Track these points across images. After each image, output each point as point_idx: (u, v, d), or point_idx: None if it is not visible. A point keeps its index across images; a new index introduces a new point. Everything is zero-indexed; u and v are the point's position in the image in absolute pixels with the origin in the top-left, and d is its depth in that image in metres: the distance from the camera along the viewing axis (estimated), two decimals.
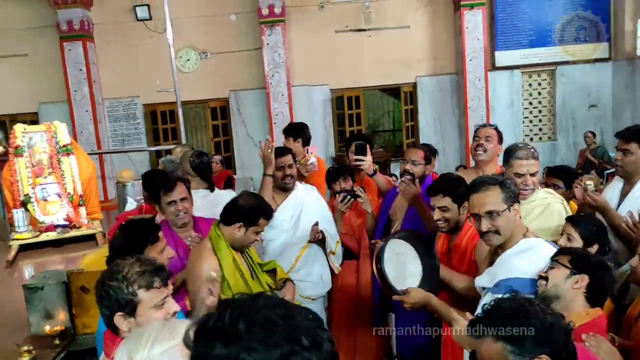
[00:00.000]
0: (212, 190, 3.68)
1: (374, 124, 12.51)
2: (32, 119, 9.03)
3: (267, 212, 2.56)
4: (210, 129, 9.92)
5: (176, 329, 1.39)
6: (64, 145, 5.89)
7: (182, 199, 2.93)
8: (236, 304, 0.89)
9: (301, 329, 0.86)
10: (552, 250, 2.08)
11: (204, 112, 9.92)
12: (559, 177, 3.65)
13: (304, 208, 3.38)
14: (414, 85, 9.81)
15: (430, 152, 3.51)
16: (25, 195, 5.66)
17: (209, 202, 3.48)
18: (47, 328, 3.34)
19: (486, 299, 2.04)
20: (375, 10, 9.39)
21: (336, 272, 3.42)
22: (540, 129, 10.11)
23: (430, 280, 2.44)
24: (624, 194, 2.82)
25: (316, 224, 3.27)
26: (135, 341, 1.34)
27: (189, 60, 9.55)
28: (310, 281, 3.33)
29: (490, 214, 2.09)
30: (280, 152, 3.40)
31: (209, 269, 2.49)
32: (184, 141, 7.55)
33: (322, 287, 3.36)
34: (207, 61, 9.58)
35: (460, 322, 1.95)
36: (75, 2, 8.85)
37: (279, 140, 9.39)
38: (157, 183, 3.14)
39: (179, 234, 2.98)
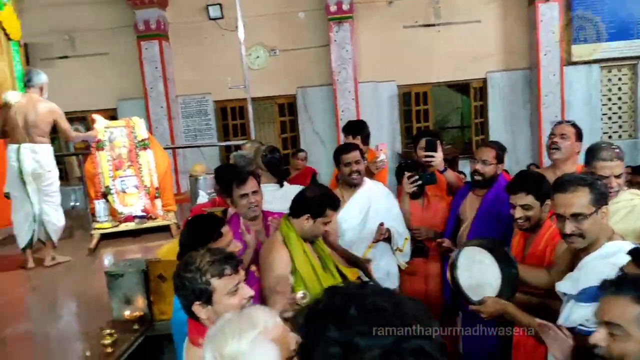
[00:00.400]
0: (282, 185, 3.77)
1: (441, 121, 12.30)
2: (111, 115, 9.51)
3: (333, 203, 2.60)
4: (277, 125, 10.09)
5: (254, 317, 1.45)
6: (142, 140, 6.18)
7: (254, 192, 3.02)
8: (344, 290, 0.91)
9: (411, 316, 0.86)
10: None
11: (271, 108, 10.10)
12: None
13: (372, 204, 3.40)
14: (484, 80, 9.56)
15: (501, 149, 3.42)
16: (106, 187, 5.99)
17: (277, 197, 3.57)
18: (127, 313, 3.52)
19: (571, 308, 1.97)
20: (444, 5, 9.23)
21: (402, 269, 3.41)
22: (620, 126, 9.60)
23: (509, 288, 2.36)
24: None
25: (382, 224, 3.26)
26: (220, 338, 1.40)
27: (258, 57, 9.74)
28: (377, 277, 3.34)
29: (575, 216, 2.02)
30: (347, 148, 3.43)
31: (281, 262, 2.56)
32: (253, 137, 7.72)
33: (389, 284, 3.36)
34: (275, 58, 9.75)
35: (550, 328, 1.87)
36: (152, 2, 9.24)
37: (344, 137, 9.46)
38: (229, 177, 3.25)
39: (251, 227, 3.07)
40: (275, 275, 2.53)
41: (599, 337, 1.49)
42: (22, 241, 5.03)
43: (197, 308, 1.84)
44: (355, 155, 3.41)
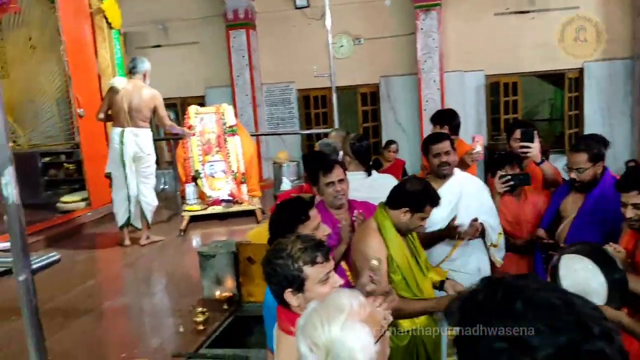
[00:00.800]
0: (369, 174, 3.74)
1: (530, 112, 11.76)
2: (200, 102, 9.84)
3: (433, 199, 2.54)
4: (360, 114, 10.05)
5: (338, 301, 1.44)
6: (230, 126, 6.37)
7: (340, 181, 3.00)
8: (507, 282, 0.85)
9: (587, 315, 0.80)
10: None
11: (354, 97, 10.06)
12: None
13: (463, 197, 3.27)
14: (580, 70, 9.02)
15: (598, 147, 3.17)
16: (195, 171, 6.23)
17: (365, 185, 3.54)
18: (217, 293, 3.65)
19: None
20: None
21: (497, 265, 3.29)
22: None
23: (618, 295, 2.21)
24: None
25: (475, 219, 3.14)
26: (310, 328, 1.39)
27: (342, 46, 9.72)
28: (466, 272, 3.22)
29: None
30: (438, 138, 3.32)
31: (374, 248, 2.54)
32: (336, 125, 7.74)
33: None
34: (360, 47, 9.69)
35: None
36: None
37: (429, 127, 9.27)
38: (315, 164, 3.26)
39: (335, 215, 3.06)
40: (365, 264, 2.52)
41: None
42: (120, 220, 5.34)
43: (289, 295, 1.83)
44: (445, 145, 3.29)
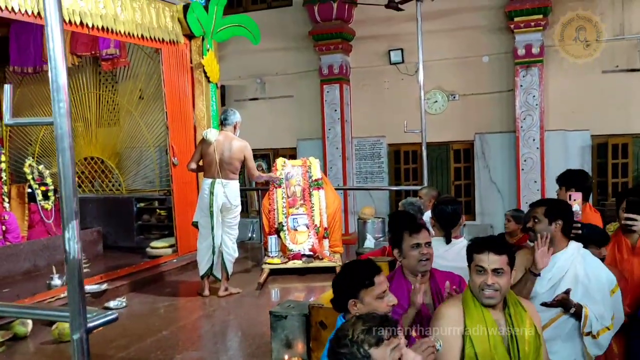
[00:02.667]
0: (448, 241, 3.45)
1: None
2: (292, 154, 10.00)
3: (477, 244, 2.34)
4: (452, 171, 9.69)
5: None
6: (316, 180, 6.32)
7: (427, 244, 2.77)
8: None
9: None
10: None
11: (446, 154, 9.75)
12: None
13: (569, 273, 2.86)
14: None
15: None
16: (279, 224, 6.19)
17: (440, 252, 3.25)
18: (286, 357, 3.47)
19: None
20: None
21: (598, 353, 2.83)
22: None
23: None
24: None
25: (568, 290, 2.71)
26: None
27: (436, 102, 9.53)
28: (559, 356, 2.80)
29: None
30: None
31: (447, 315, 2.28)
32: (425, 182, 7.48)
33: None
34: (454, 103, 9.45)
35: None
36: (337, 48, 9.62)
37: (525, 187, 8.74)
38: (401, 224, 3.04)
39: (413, 283, 2.75)
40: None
41: None
42: (202, 269, 5.38)
43: None
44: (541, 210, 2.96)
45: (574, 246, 2.87)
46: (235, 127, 5.41)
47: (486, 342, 2.19)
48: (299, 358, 3.46)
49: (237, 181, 5.41)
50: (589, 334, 2.72)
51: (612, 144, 8.64)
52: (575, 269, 2.78)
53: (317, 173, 6.33)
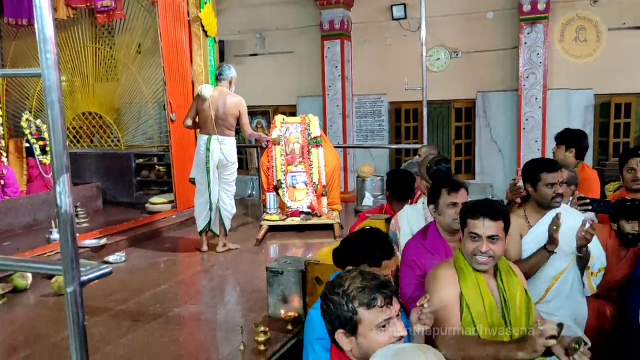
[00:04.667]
0: None
1: None
2: (291, 111, 9.91)
3: (472, 210, 2.29)
4: (453, 129, 9.62)
5: None
6: (315, 137, 6.27)
7: (464, 204, 2.72)
8: None
9: None
10: None
11: (447, 112, 9.65)
12: None
13: (567, 224, 2.87)
14: None
15: None
16: (278, 181, 6.18)
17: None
18: (282, 312, 3.51)
19: None
20: None
21: (590, 292, 2.88)
22: None
23: None
24: None
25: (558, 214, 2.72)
26: None
27: (438, 59, 9.37)
28: (558, 316, 2.85)
29: None
30: (553, 166, 2.95)
31: (441, 280, 2.28)
32: (425, 141, 7.42)
33: (572, 331, 2.85)
34: (457, 60, 9.29)
35: None
36: (339, 2, 9.39)
37: (526, 147, 8.69)
38: (437, 183, 2.98)
39: (449, 241, 2.81)
40: (437, 293, 2.26)
41: None
42: (200, 225, 5.40)
43: (340, 336, 1.66)
44: (561, 175, 2.94)
45: (564, 206, 2.90)
46: (230, 83, 5.33)
47: (481, 306, 2.19)
48: (294, 312, 3.50)
49: (234, 138, 5.37)
50: (591, 273, 2.83)
51: (615, 103, 8.54)
52: (573, 221, 2.77)
53: (316, 130, 6.27)
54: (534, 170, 2.86)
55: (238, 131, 5.65)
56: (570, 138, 3.93)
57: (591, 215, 3.36)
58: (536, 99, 8.57)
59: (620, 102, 8.53)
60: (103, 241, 5.43)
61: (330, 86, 9.78)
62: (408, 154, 9.57)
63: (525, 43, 8.48)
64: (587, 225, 2.63)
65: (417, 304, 2.00)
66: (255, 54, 10.55)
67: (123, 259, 5.21)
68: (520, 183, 3.25)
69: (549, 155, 8.21)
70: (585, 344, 1.84)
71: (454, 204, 2.72)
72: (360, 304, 1.63)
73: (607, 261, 3.12)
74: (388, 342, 1.62)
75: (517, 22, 8.54)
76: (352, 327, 1.64)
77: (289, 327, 3.44)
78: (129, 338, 3.47)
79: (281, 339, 3.32)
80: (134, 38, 7.90)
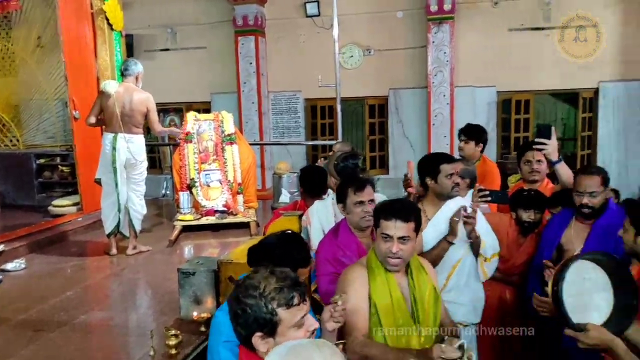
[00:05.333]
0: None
1: None
2: (206, 108, 9.71)
3: (384, 210, 2.30)
4: (367, 126, 9.83)
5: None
6: (229, 135, 6.17)
7: (370, 201, 2.81)
8: None
9: None
10: None
11: (362, 109, 9.85)
12: None
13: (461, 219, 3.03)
14: (596, 91, 8.74)
15: (603, 173, 2.99)
16: (191, 180, 6.03)
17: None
18: (195, 314, 3.43)
19: None
20: (556, 7, 8.53)
21: (484, 278, 3.05)
22: None
23: (621, 322, 1.94)
24: None
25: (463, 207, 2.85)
26: None
27: (352, 56, 9.54)
28: (461, 304, 2.97)
29: None
30: (450, 158, 3.08)
31: (351, 279, 2.30)
32: (340, 137, 7.52)
33: (473, 315, 3.00)
34: (370, 58, 9.49)
35: None
36: None
37: (435, 142, 9.03)
38: (344, 182, 3.01)
39: (360, 238, 2.85)
40: (340, 290, 2.29)
41: None
42: (108, 227, 5.16)
43: (258, 340, 1.61)
44: (458, 166, 3.07)
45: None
46: (137, 79, 5.13)
47: (390, 306, 2.24)
48: (208, 314, 3.42)
49: (142, 136, 5.17)
50: (485, 259, 2.97)
51: (515, 100, 9.08)
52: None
53: (229, 127, 6.17)
54: (434, 163, 2.98)
55: (149, 129, 5.46)
56: (478, 133, 4.19)
57: (486, 206, 3.55)
58: (444, 95, 8.94)
59: (521, 99, 9.09)
60: (0, 248, 5.06)
61: (245, 83, 9.68)
62: (325, 150, 9.67)
63: (433, 42, 8.82)
64: (469, 210, 2.78)
65: (331, 300, 2.02)
66: (166, 49, 10.24)
67: (23, 266, 4.88)
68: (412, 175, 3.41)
69: (457, 150, 8.60)
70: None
71: (361, 203, 2.78)
72: (279, 305, 1.60)
73: (508, 248, 3.32)
74: (304, 337, 1.62)
75: (425, 21, 8.86)
76: (271, 329, 1.60)
77: (202, 328, 3.36)
78: (31, 349, 3.26)
79: (193, 341, 3.24)
80: (33, 31, 7.41)
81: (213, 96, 10.09)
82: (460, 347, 1.97)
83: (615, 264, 2.04)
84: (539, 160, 3.64)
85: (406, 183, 3.53)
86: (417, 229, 2.31)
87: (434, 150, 8.87)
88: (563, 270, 1.96)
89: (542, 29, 8.71)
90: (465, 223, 2.79)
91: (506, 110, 9.20)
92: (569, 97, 9.33)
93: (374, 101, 9.73)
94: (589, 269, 2.01)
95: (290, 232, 2.60)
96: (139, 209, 5.19)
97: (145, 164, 5.25)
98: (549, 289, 2.02)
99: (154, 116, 5.18)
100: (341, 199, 2.88)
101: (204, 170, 6.05)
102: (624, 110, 8.61)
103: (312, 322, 1.67)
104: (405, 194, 3.62)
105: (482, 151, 4.23)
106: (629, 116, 8.60)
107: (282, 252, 2.26)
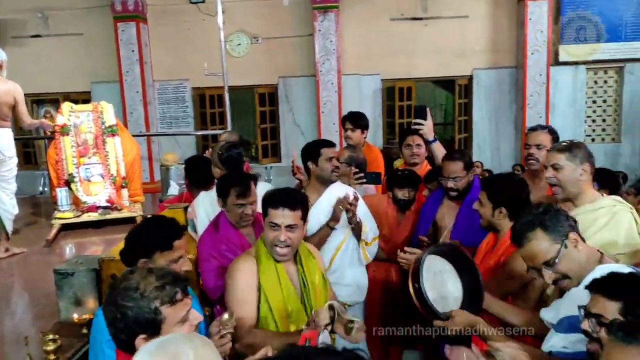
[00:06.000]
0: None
1: None
2: (85, 98, 9.13)
3: (272, 199, 2.29)
4: (258, 115, 9.79)
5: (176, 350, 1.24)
6: (110, 126, 5.87)
7: (252, 203, 2.76)
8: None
9: None
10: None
11: (251, 97, 9.80)
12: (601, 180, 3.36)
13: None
14: (470, 78, 9.37)
15: (469, 155, 3.28)
16: (69, 175, 5.68)
17: None
18: (76, 316, 3.25)
19: (551, 338, 1.77)
20: None
21: (366, 261, 3.22)
22: (603, 130, 9.49)
23: (472, 303, 2.16)
24: None
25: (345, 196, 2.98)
26: None
27: (239, 44, 9.43)
28: (344, 284, 3.10)
29: (547, 263, 1.83)
30: (330, 143, 3.19)
31: (243, 271, 2.29)
32: (229, 127, 7.45)
33: (357, 294, 3.14)
34: (257, 46, 9.45)
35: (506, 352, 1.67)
36: None
37: (325, 129, 9.20)
38: (227, 180, 2.91)
39: (241, 230, 2.82)
40: (234, 286, 2.28)
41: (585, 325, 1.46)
42: None
43: (142, 342, 1.52)
44: (341, 151, 3.18)
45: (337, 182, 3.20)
46: (0, 67, 4.73)
47: (280, 295, 2.26)
48: (90, 315, 3.26)
49: (10, 129, 4.79)
50: (365, 241, 3.14)
51: (398, 87, 9.49)
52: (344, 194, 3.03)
53: (110, 119, 5.87)
54: (315, 147, 3.07)
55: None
56: (364, 121, 4.37)
57: (372, 187, 3.72)
58: (332, 83, 9.13)
59: (403, 86, 9.51)
60: None
61: (127, 71, 9.23)
62: (216, 140, 9.51)
63: (320, 30, 8.96)
64: (351, 197, 2.92)
65: (219, 320, 1.98)
66: (38, 36, 9.49)
67: None
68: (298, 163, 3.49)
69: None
70: (357, 322, 2.04)
71: (242, 205, 2.74)
72: (163, 302, 1.55)
73: (389, 227, 3.50)
74: (189, 331, 1.59)
75: (311, 9, 8.97)
76: (155, 329, 1.54)
77: (84, 330, 3.19)
78: None
79: (75, 344, 3.08)
80: None
81: (93, 85, 9.53)
82: (331, 307, 2.04)
83: (454, 251, 2.25)
84: (418, 145, 3.85)
85: (295, 171, 3.59)
86: (305, 216, 2.33)
87: (324, 138, 9.06)
88: (418, 269, 2.09)
89: (421, 19, 9.15)
90: (347, 210, 2.89)
91: (390, 98, 9.59)
92: (447, 84, 9.93)
93: (264, 90, 9.71)
94: (437, 262, 2.20)
95: (150, 215, 2.54)
96: (9, 208, 4.81)
97: (15, 160, 4.87)
98: (410, 288, 2.14)
99: (23, 107, 4.81)
100: (222, 195, 2.81)
101: (84, 164, 5.72)
102: (494, 96, 9.31)
103: (196, 316, 1.66)
104: (297, 182, 3.69)
105: (365, 137, 4.40)
106: (499, 101, 9.32)
107: (149, 234, 2.18)
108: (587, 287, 1.57)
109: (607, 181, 3.57)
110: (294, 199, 2.30)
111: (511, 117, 9.31)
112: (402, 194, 3.44)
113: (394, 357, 3.61)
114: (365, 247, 3.13)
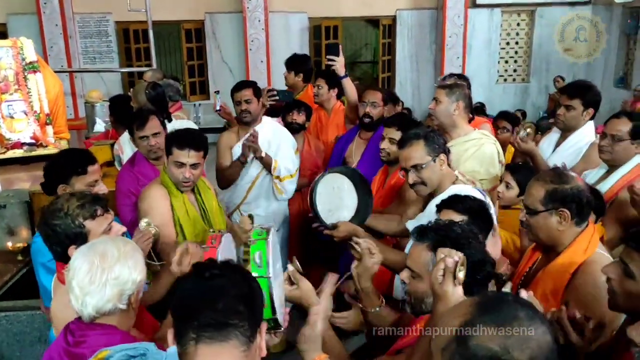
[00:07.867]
0: (169, 120, 3.66)
1: (352, 55, 12.40)
2: (1, 30, 8.75)
3: (178, 140, 2.47)
4: (184, 51, 9.73)
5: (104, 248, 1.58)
6: (30, 62, 5.77)
7: (154, 134, 2.90)
8: None
9: None
10: (479, 196, 2.23)
11: (177, 33, 9.69)
12: (506, 120, 3.88)
13: (263, 139, 3.42)
14: (394, 18, 9.68)
15: (390, 98, 3.60)
16: None
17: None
18: (10, 244, 3.48)
19: (408, 244, 2.20)
20: None
21: (280, 196, 3.54)
22: (514, 70, 10.17)
23: (363, 214, 2.60)
24: (557, 145, 3.00)
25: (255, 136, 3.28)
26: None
27: None
28: (259, 215, 3.41)
29: (415, 167, 2.27)
30: (239, 85, 3.45)
31: (156, 197, 2.54)
32: (154, 65, 7.46)
33: (271, 220, 3.50)
34: None
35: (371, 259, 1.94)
36: None
37: (253, 67, 9.32)
38: (130, 117, 3.07)
39: (156, 165, 2.95)
40: (155, 209, 2.54)
41: (404, 275, 1.67)
42: None
43: (73, 252, 1.78)
44: (245, 93, 3.41)
45: (267, 119, 3.48)
46: None
47: (187, 218, 2.56)
48: (23, 243, 3.50)
49: None
50: (277, 177, 3.45)
51: (325, 26, 9.67)
52: (268, 135, 3.37)
53: (31, 55, 5.76)
54: (233, 91, 3.36)
55: None
56: (296, 63, 4.37)
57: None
58: (259, 21, 9.18)
59: (330, 25, 9.69)
60: None
61: (46, 3, 8.87)
62: (140, 76, 9.42)
63: None
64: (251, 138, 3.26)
65: (138, 230, 2.29)
66: None
67: None
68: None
69: (274, 75, 8.97)
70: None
71: (145, 137, 2.89)
72: (85, 218, 1.86)
73: (304, 161, 3.85)
74: None
75: None
76: (82, 240, 1.84)
77: (19, 257, 3.44)
78: None
79: (11, 269, 3.32)
80: None
81: (9, 17, 9.08)
82: (250, 216, 2.44)
83: (353, 171, 2.71)
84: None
85: (223, 112, 3.86)
86: (205, 155, 2.56)
87: (252, 76, 9.19)
88: (315, 184, 2.52)
89: None
90: (247, 147, 3.22)
91: (317, 36, 9.77)
92: (373, 23, 10.21)
93: (190, 25, 9.61)
94: (336, 179, 2.62)
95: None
96: None
97: None
98: (308, 201, 2.56)
99: None
100: (130, 131, 2.99)
101: (6, 101, 5.66)
102: (416, 36, 9.70)
103: (118, 228, 1.98)
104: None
105: (305, 81, 4.37)
106: (420, 41, 9.73)
107: (64, 161, 2.43)
108: (437, 206, 2.02)
109: (510, 119, 4.02)
110: (199, 141, 2.52)
111: (431, 58, 9.78)
112: (290, 117, 3.72)
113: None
114: (277, 183, 3.45)
